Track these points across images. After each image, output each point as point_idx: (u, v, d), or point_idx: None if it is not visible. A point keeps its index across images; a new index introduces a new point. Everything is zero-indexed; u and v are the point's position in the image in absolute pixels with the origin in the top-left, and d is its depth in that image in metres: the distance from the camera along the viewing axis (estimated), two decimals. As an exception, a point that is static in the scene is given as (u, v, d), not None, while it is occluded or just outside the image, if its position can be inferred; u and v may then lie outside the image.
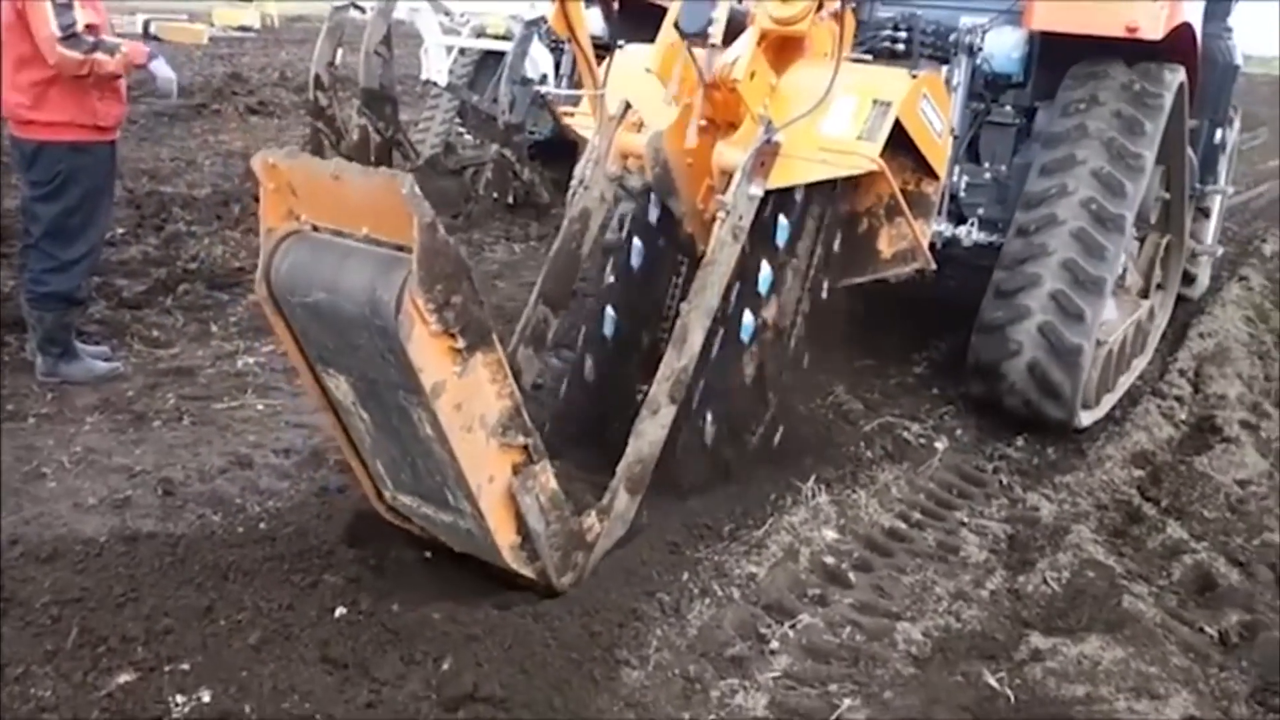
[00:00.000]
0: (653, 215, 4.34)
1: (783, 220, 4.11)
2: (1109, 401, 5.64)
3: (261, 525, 3.89)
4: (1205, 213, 7.69)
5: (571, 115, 4.57)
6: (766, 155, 3.77)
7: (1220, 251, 8.07)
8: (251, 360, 5.57)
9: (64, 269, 5.05)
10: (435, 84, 9.54)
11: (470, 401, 2.92)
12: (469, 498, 3.07)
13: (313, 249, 3.02)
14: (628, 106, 4.03)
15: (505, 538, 3.16)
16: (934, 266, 4.45)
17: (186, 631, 3.16)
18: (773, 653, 3.36)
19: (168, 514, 4.00)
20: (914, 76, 4.12)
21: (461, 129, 10.07)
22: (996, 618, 3.69)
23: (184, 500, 4.11)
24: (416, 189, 2.65)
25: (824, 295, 4.34)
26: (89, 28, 4.78)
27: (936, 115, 4.23)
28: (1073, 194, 5.11)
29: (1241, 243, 9.50)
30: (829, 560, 3.93)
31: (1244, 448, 5.13)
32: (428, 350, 2.77)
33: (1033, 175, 5.34)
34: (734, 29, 3.97)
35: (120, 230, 7.26)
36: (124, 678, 2.99)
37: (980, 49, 5.51)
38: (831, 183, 4.12)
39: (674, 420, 3.68)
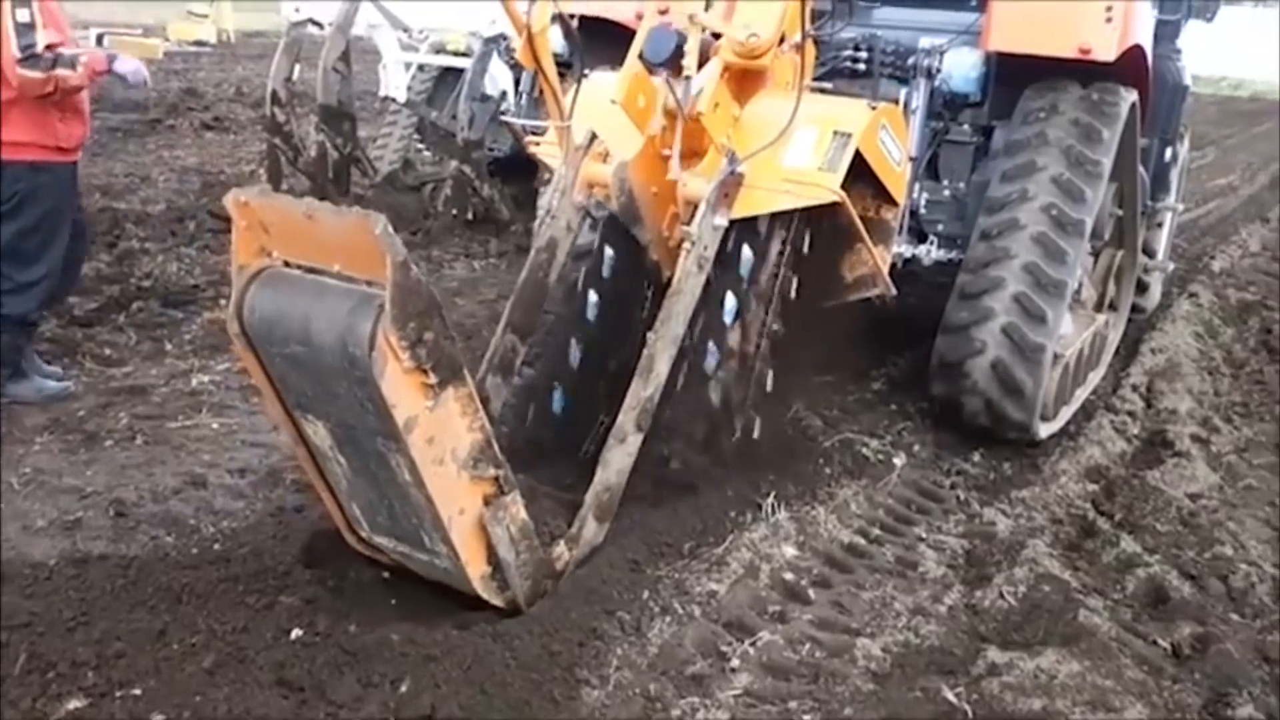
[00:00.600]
0: (610, 254, 4.38)
1: (746, 249, 4.19)
2: (1066, 414, 5.74)
3: (216, 546, 3.84)
4: (1157, 229, 7.83)
5: (537, 144, 4.61)
6: (730, 186, 3.88)
7: (1171, 267, 8.23)
8: (206, 379, 5.51)
9: (20, 291, 4.94)
10: (394, 100, 9.50)
11: (441, 435, 2.98)
12: (442, 534, 3.10)
13: (285, 292, 3.02)
14: (593, 137, 4.08)
15: (476, 569, 3.22)
16: (894, 292, 4.56)
17: (139, 656, 3.11)
18: (733, 670, 3.36)
19: (119, 536, 3.93)
20: (873, 108, 4.20)
21: (420, 145, 10.04)
22: (954, 633, 3.72)
23: (136, 521, 4.05)
24: (389, 228, 2.69)
25: (787, 321, 4.41)
26: (49, 47, 4.71)
27: (895, 144, 4.33)
28: (1033, 199, 5.24)
29: (1191, 260, 9.65)
30: (789, 577, 3.94)
31: (1195, 461, 5.20)
32: (400, 386, 2.83)
33: (994, 182, 5.46)
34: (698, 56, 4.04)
35: (72, 247, 7.16)
36: (74, 704, 2.94)
37: (939, 71, 5.63)
38: (793, 211, 4.18)
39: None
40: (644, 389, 3.73)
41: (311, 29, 8.73)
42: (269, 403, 3.29)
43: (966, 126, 5.88)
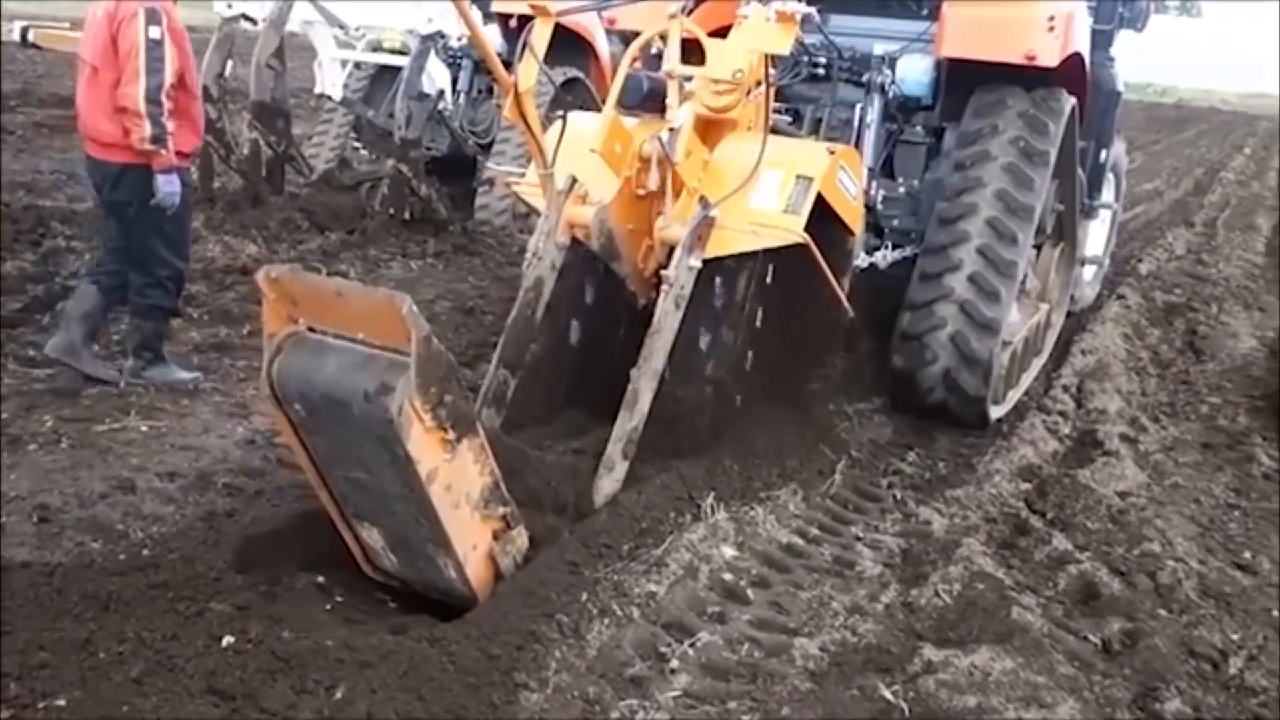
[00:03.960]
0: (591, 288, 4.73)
1: (718, 284, 4.54)
2: (1013, 397, 6.09)
3: (144, 552, 3.75)
4: (1089, 224, 8.08)
5: (519, 184, 4.90)
6: (704, 229, 4.23)
7: (1107, 263, 8.47)
8: (134, 380, 5.38)
9: (160, 285, 5.34)
10: (330, 98, 9.40)
11: (458, 482, 3.34)
12: (457, 567, 3.44)
13: (313, 361, 3.29)
14: (574, 181, 4.31)
15: (486, 596, 3.51)
16: (851, 315, 4.92)
17: (64, 665, 3.03)
18: (673, 672, 3.36)
19: (43, 542, 3.83)
20: (831, 152, 4.53)
21: (357, 144, 9.94)
22: (891, 631, 3.75)
23: (61, 527, 3.94)
24: (414, 307, 3.06)
25: (756, 347, 4.71)
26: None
27: (852, 182, 4.69)
28: (997, 160, 5.62)
29: (1120, 262, 9.86)
30: (728, 577, 3.95)
31: (1124, 460, 5.30)
32: (423, 443, 3.18)
33: (956, 142, 5.84)
34: (660, 97, 4.45)
35: (-3, 245, 6.98)
36: (-5, 716, 2.86)
37: (891, 84, 5.94)
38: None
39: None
40: (629, 421, 4.10)
41: (245, 25, 8.59)
42: (299, 456, 3.57)
43: (919, 128, 6.22)
